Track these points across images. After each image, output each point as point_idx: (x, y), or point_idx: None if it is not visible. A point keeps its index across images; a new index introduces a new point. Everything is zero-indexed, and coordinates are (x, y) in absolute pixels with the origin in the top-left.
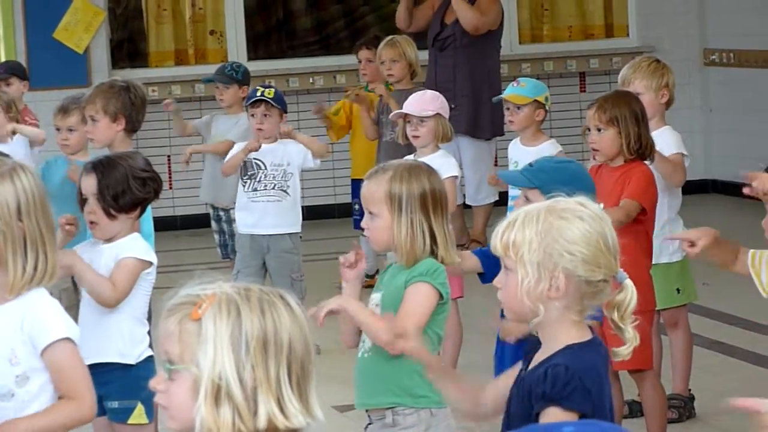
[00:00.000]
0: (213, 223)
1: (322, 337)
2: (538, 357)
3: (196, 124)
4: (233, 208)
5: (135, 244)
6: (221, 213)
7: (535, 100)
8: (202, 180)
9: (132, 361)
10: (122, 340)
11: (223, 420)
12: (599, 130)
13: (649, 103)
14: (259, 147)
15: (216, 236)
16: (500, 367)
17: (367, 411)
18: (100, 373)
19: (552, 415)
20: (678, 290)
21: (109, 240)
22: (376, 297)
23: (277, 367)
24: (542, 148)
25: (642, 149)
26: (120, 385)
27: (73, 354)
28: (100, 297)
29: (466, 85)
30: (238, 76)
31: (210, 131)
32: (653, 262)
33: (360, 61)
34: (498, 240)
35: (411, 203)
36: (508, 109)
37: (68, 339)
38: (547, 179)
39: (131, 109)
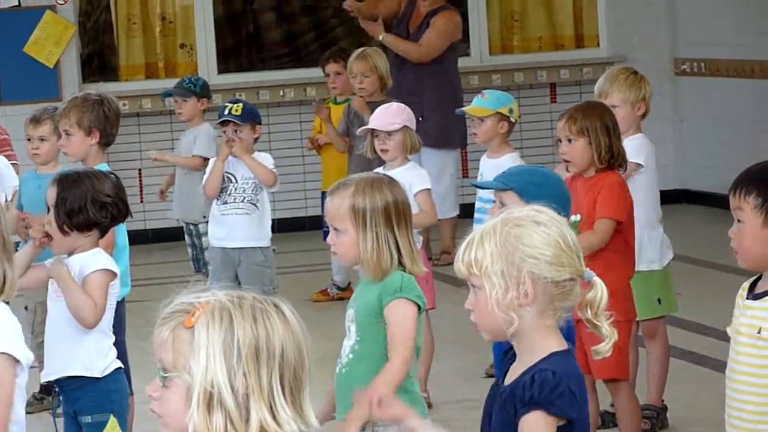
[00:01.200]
0: (186, 237)
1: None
2: (516, 368)
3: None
4: (203, 222)
5: (97, 258)
6: (191, 227)
7: (498, 113)
8: (174, 194)
9: (98, 374)
10: (87, 353)
11: (215, 427)
12: (570, 140)
13: (625, 116)
14: (229, 153)
15: (189, 250)
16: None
17: None
18: (71, 389)
19: (534, 419)
20: (659, 300)
21: (70, 254)
22: (350, 313)
23: (269, 374)
24: (503, 160)
25: (613, 159)
26: (91, 399)
27: (4, 372)
28: (80, 315)
29: (432, 97)
30: (196, 89)
31: (178, 147)
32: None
33: (328, 75)
34: (460, 262)
35: (375, 217)
36: (473, 121)
37: (7, 355)
38: (521, 181)
39: (105, 123)
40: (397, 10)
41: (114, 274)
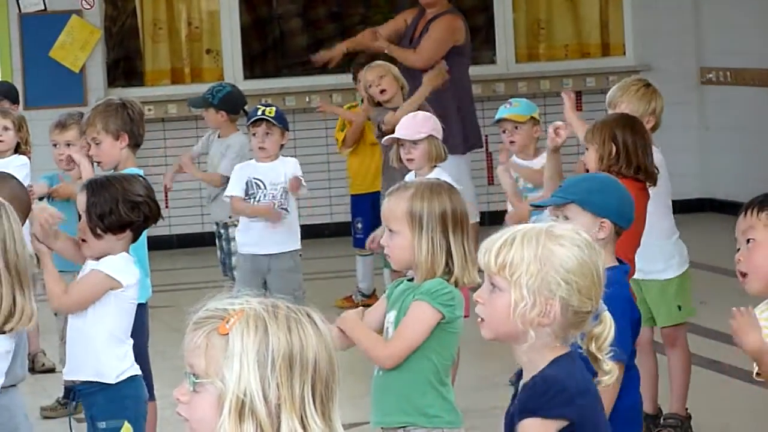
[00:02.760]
0: (216, 240)
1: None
2: (522, 383)
3: (195, 150)
4: (233, 226)
5: (113, 262)
6: (221, 230)
7: (532, 117)
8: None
9: (111, 381)
10: (96, 359)
11: None
12: (587, 149)
13: None
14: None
15: (218, 253)
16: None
17: (382, 429)
18: (87, 394)
19: (527, 426)
20: (679, 307)
21: (98, 258)
22: (390, 315)
23: (301, 385)
24: (536, 162)
25: (624, 169)
26: (104, 404)
27: None
28: (50, 298)
29: (435, 104)
30: (214, 101)
31: (209, 149)
32: (648, 278)
33: (359, 81)
34: (492, 258)
35: (431, 222)
36: (504, 131)
37: None
38: (581, 191)
39: (131, 125)
40: (401, 27)
41: (116, 282)
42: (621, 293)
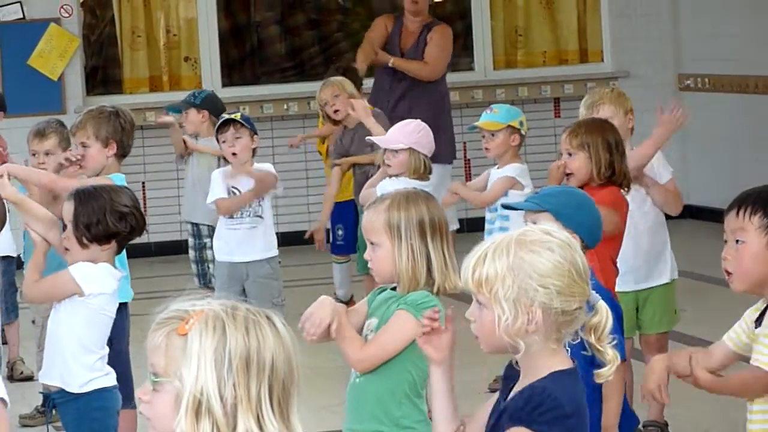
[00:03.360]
0: (190, 251)
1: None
2: (518, 386)
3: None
4: (206, 227)
5: (86, 269)
6: (195, 232)
7: (509, 126)
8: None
9: (75, 390)
10: (64, 365)
11: None
12: (570, 154)
13: (620, 126)
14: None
15: (193, 266)
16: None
17: None
18: (59, 403)
19: None
20: (675, 311)
21: None
22: (371, 322)
23: (258, 385)
24: (506, 169)
25: (615, 176)
26: (72, 415)
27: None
28: (24, 284)
29: (425, 113)
30: (196, 101)
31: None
32: (649, 285)
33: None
34: (470, 275)
35: (410, 230)
36: (483, 137)
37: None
38: (557, 203)
39: (122, 134)
40: (385, 34)
41: (78, 288)
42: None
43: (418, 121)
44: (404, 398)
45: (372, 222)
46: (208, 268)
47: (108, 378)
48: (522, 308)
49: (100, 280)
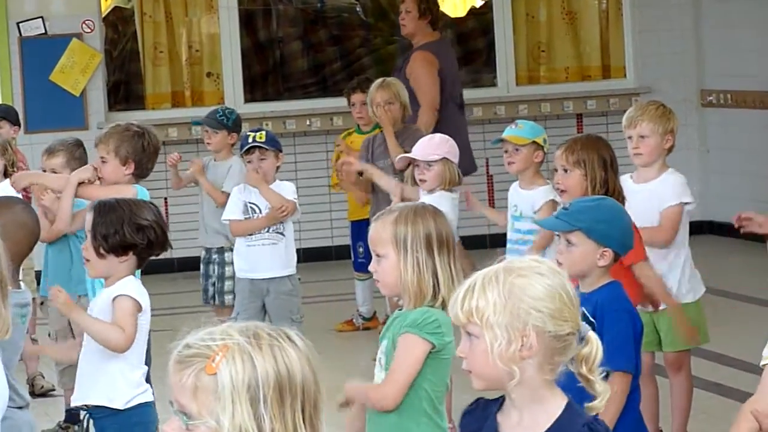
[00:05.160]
0: (202, 266)
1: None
2: (519, 424)
3: (189, 175)
4: (229, 250)
5: (128, 285)
6: (215, 256)
7: (534, 142)
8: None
9: (119, 406)
10: (110, 383)
11: None
12: (566, 170)
13: (654, 147)
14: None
15: (202, 280)
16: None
17: None
18: (98, 418)
19: None
20: (698, 330)
21: (108, 284)
22: (383, 344)
23: (292, 412)
24: (537, 193)
25: (609, 194)
26: (113, 430)
27: None
28: (108, 344)
29: (447, 129)
30: (228, 123)
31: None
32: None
33: (353, 105)
34: (459, 308)
35: (416, 244)
36: (506, 151)
37: None
38: (589, 219)
39: (142, 155)
40: None
41: (140, 306)
42: (622, 306)
43: (441, 134)
44: (423, 417)
45: (379, 234)
46: (224, 283)
47: (147, 394)
48: (515, 332)
49: (142, 292)
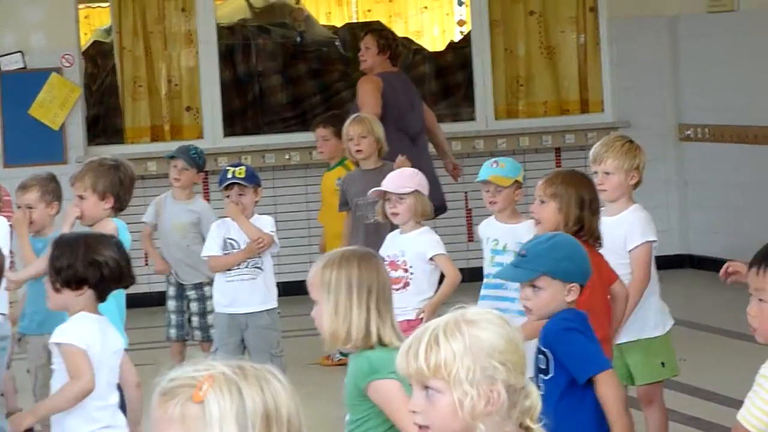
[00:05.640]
0: (174, 302)
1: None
2: None
3: (150, 221)
4: (207, 285)
5: (67, 330)
6: (191, 292)
7: (516, 180)
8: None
9: None
10: (61, 419)
11: None
12: (542, 201)
13: (618, 184)
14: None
15: (174, 317)
16: None
17: None
18: None
19: None
20: (662, 364)
21: (70, 316)
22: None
23: None
24: (521, 227)
25: (583, 233)
26: None
27: None
28: (78, 400)
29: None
30: (200, 162)
31: (159, 215)
32: (635, 338)
33: (316, 139)
34: (423, 363)
35: (338, 288)
36: (487, 191)
37: None
38: (550, 261)
39: (119, 188)
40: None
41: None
42: (563, 325)
43: (411, 168)
44: None
45: (310, 279)
46: (206, 317)
47: (110, 429)
48: (484, 388)
49: (82, 331)
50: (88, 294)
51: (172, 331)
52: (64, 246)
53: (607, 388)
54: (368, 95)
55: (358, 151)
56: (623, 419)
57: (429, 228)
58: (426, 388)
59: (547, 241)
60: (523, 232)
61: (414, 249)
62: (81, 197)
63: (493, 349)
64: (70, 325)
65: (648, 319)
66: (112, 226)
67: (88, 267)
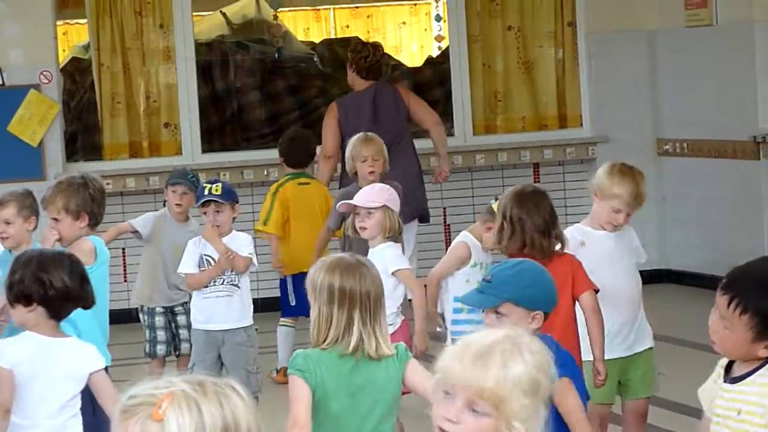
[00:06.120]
0: (151, 318)
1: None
2: None
3: (135, 222)
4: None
5: (1, 346)
6: (178, 308)
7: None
8: (150, 282)
9: None
10: None
11: None
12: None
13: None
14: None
15: (163, 333)
16: None
17: None
18: None
19: None
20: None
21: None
22: None
23: None
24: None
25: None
26: None
27: None
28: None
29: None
30: (197, 185)
31: (157, 233)
32: (647, 347)
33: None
34: (485, 383)
35: (322, 293)
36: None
37: None
38: (514, 288)
39: (92, 204)
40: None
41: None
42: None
43: (381, 184)
44: None
45: (307, 281)
46: (188, 330)
47: None
48: (528, 424)
49: (5, 353)
50: (39, 311)
51: (161, 348)
52: (19, 262)
53: (564, 396)
54: (325, 130)
55: (371, 172)
56: (587, 426)
57: (393, 243)
58: (471, 402)
59: (513, 267)
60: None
61: (377, 263)
62: (55, 219)
63: (542, 371)
64: (2, 343)
65: (648, 328)
66: (89, 246)
67: (33, 283)
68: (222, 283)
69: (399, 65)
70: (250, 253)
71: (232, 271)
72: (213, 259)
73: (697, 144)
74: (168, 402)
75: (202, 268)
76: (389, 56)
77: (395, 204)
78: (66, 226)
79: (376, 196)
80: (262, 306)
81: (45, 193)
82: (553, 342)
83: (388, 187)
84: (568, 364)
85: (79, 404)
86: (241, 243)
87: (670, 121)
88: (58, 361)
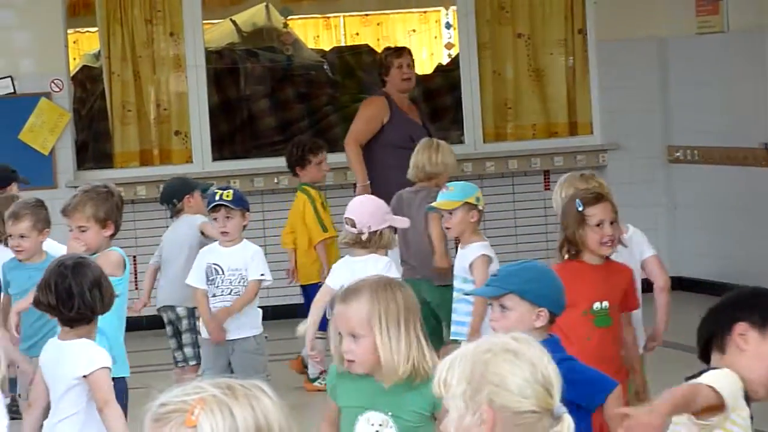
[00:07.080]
0: (175, 325)
1: None
2: None
3: (155, 263)
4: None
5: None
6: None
7: (466, 203)
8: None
9: None
10: None
11: None
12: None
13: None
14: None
15: (189, 336)
16: None
17: None
18: None
19: None
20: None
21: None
22: (381, 418)
23: None
24: (468, 250)
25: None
26: None
27: None
28: None
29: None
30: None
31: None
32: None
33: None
34: (435, 381)
35: (391, 320)
36: (442, 216)
37: None
38: (519, 281)
39: (117, 213)
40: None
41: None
42: (555, 357)
43: (361, 198)
44: None
45: (350, 314)
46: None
47: None
48: (471, 404)
49: None
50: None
51: (189, 351)
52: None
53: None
54: (357, 120)
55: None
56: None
57: (378, 255)
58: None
59: (519, 263)
60: (470, 254)
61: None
62: (82, 228)
63: (488, 369)
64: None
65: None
66: (117, 257)
67: (41, 290)
68: (229, 293)
69: None
70: (262, 274)
71: (239, 281)
72: (219, 267)
73: (708, 151)
74: (200, 408)
75: (210, 277)
76: None
77: (390, 220)
78: (93, 235)
79: (368, 219)
80: (272, 314)
81: (69, 202)
82: (558, 345)
83: (382, 204)
84: (576, 369)
85: (74, 407)
86: (251, 258)
87: (680, 128)
88: (58, 362)
